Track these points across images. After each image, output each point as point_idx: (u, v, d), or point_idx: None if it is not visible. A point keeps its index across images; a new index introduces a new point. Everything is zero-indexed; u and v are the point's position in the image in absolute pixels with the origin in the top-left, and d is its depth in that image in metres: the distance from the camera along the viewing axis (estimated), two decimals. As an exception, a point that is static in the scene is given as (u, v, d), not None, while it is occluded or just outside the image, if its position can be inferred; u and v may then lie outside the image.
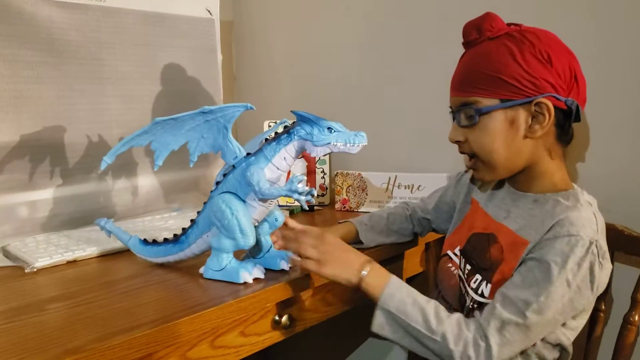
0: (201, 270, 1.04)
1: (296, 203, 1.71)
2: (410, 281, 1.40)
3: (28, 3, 1.22)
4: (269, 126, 1.74)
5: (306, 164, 1.73)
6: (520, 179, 1.02)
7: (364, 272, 0.96)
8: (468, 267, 1.06)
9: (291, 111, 0.97)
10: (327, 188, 1.73)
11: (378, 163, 1.66)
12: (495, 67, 0.94)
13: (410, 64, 1.59)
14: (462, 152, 1.04)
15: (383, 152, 1.65)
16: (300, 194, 0.93)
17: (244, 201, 1.00)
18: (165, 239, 1.09)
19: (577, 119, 0.97)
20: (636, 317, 1.14)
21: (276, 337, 1.05)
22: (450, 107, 1.04)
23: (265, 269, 1.04)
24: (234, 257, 1.02)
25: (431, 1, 1.50)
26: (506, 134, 0.96)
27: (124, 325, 0.82)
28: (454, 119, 1.03)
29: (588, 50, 1.24)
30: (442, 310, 0.93)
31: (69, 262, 1.14)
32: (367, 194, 1.58)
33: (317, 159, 1.72)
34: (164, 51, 1.51)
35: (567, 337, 0.97)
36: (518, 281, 0.91)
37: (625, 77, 1.20)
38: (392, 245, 1.28)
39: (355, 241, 1.21)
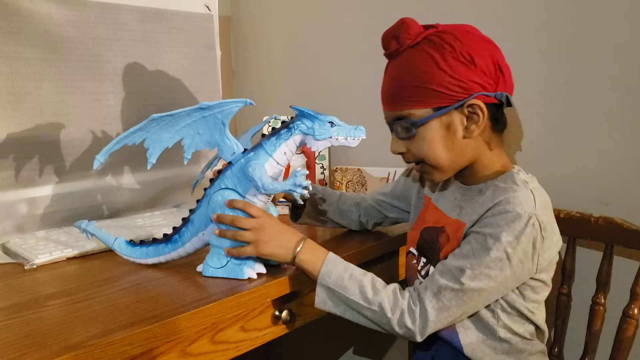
0: (199, 268, 1.04)
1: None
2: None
3: (26, 0, 1.22)
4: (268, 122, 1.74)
5: (305, 159, 1.73)
6: (467, 174, 1.05)
7: (298, 249, 0.99)
8: (423, 259, 1.10)
9: (290, 106, 0.97)
10: (326, 183, 1.73)
11: (377, 158, 1.66)
12: (422, 78, 0.95)
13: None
14: (407, 162, 1.05)
15: (382, 147, 1.64)
16: (304, 187, 0.96)
17: (243, 197, 1.00)
18: (155, 239, 1.08)
19: (508, 105, 0.99)
20: (635, 311, 1.14)
21: (276, 332, 1.06)
22: (386, 120, 1.05)
23: (266, 264, 1.04)
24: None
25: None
26: (445, 138, 0.98)
27: (124, 321, 0.83)
28: (392, 130, 1.03)
29: (582, 42, 1.25)
30: (379, 281, 0.98)
31: (68, 259, 1.15)
32: (366, 189, 1.58)
33: (316, 154, 1.72)
34: (162, 47, 1.50)
35: (530, 310, 1.00)
36: (456, 252, 0.97)
37: (623, 69, 1.20)
38: (387, 241, 1.29)
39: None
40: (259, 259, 1.03)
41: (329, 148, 1.72)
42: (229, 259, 1.01)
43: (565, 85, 1.29)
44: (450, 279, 0.93)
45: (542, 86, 1.31)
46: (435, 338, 1.04)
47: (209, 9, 1.62)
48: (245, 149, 1.01)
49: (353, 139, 0.98)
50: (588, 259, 1.28)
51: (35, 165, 1.27)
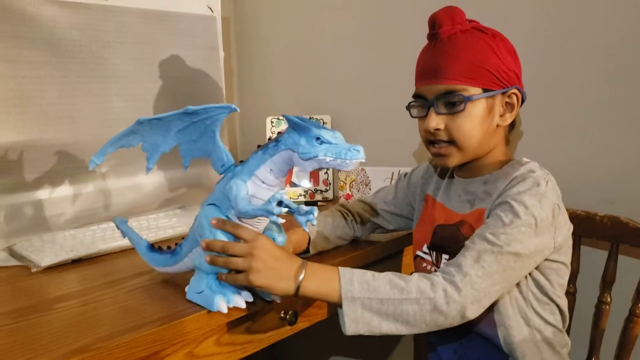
0: (186, 289, 0.96)
1: (299, 199, 1.72)
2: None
3: (31, 4, 1.22)
4: (272, 122, 1.74)
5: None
6: (471, 166, 1.08)
7: (301, 277, 0.88)
8: (445, 257, 1.09)
9: (282, 115, 0.85)
10: (330, 183, 1.73)
11: (381, 158, 1.66)
12: (479, 59, 0.99)
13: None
14: (436, 141, 1.04)
15: (386, 147, 1.65)
16: (276, 215, 0.82)
17: (226, 216, 0.90)
18: (169, 247, 1.02)
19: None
20: (641, 309, 1.14)
21: (282, 333, 1.06)
22: (421, 96, 1.04)
23: (257, 296, 0.95)
24: (215, 280, 0.92)
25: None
26: (485, 121, 1.01)
27: (130, 323, 0.83)
28: (429, 107, 1.02)
29: (588, 41, 1.24)
30: (399, 273, 0.92)
31: (74, 261, 1.15)
32: (370, 189, 1.58)
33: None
34: (165, 49, 1.51)
35: (558, 295, 1.03)
36: (486, 223, 0.96)
37: (628, 68, 1.20)
38: (389, 241, 1.29)
39: (305, 250, 1.16)
40: (248, 288, 0.93)
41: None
42: (207, 284, 0.91)
43: (570, 84, 1.29)
44: (487, 243, 0.91)
45: (547, 85, 1.31)
46: (462, 333, 1.05)
47: (212, 11, 1.62)
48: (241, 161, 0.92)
49: (344, 161, 0.80)
50: (594, 258, 1.28)
51: (40, 167, 1.27)
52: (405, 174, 1.28)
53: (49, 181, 1.29)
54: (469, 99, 0.98)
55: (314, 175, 1.74)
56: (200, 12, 1.59)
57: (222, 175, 0.92)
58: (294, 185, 1.74)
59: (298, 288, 0.88)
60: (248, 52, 2.05)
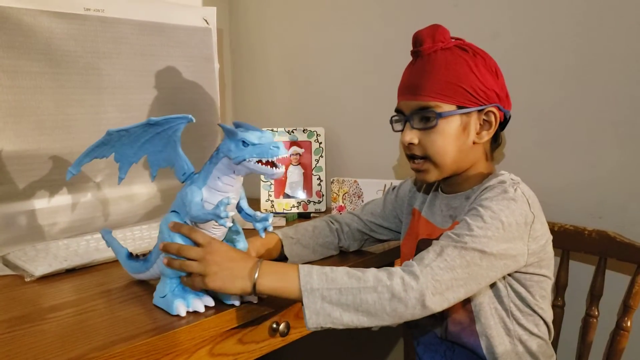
0: (154, 294, 0.98)
1: (292, 210, 1.73)
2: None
3: (27, 14, 1.23)
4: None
5: (302, 170, 1.75)
6: (454, 181, 1.09)
7: (256, 275, 0.89)
8: None
9: (218, 124, 0.90)
10: (323, 195, 1.75)
11: (374, 170, 1.68)
12: (455, 76, 1.00)
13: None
14: (411, 155, 1.07)
15: (379, 159, 1.67)
16: (224, 219, 0.85)
17: (185, 222, 0.93)
18: (143, 255, 1.04)
19: (503, 127, 1.10)
20: (628, 323, 1.16)
21: (274, 344, 1.07)
22: (400, 111, 1.08)
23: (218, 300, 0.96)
24: (179, 285, 0.94)
25: (428, 9, 1.52)
26: (459, 138, 1.03)
27: (124, 333, 0.84)
28: (405, 122, 1.06)
29: (577, 56, 1.27)
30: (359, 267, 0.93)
31: (68, 271, 1.15)
32: (363, 201, 1.59)
33: (313, 165, 1.73)
34: (161, 60, 1.52)
35: (540, 306, 1.03)
36: (454, 228, 0.97)
37: (617, 82, 1.22)
38: (382, 253, 1.30)
39: (280, 255, 1.17)
40: (209, 291, 0.96)
41: (324, 157, 1.74)
42: (170, 289, 0.93)
43: (559, 98, 1.31)
44: (451, 240, 0.92)
45: (535, 99, 1.33)
46: (446, 344, 1.07)
47: (207, 23, 1.64)
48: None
49: (267, 166, 0.84)
50: (582, 272, 1.29)
51: (35, 177, 1.28)
52: (394, 187, 1.30)
53: (43, 191, 1.30)
54: (440, 115, 1.01)
55: (307, 187, 1.75)
56: (196, 24, 1.60)
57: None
58: (287, 196, 1.75)
59: (254, 286, 0.89)
60: (242, 64, 2.06)
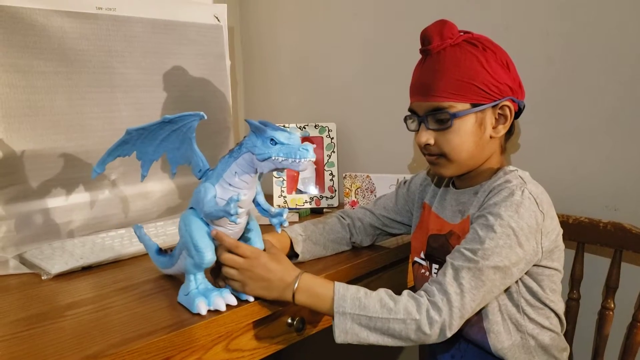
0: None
1: (305, 205, 1.73)
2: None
3: (40, 14, 1.24)
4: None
5: (314, 166, 1.75)
6: (466, 176, 1.09)
7: (294, 288, 0.95)
8: (436, 267, 1.11)
9: (245, 120, 0.90)
10: (335, 190, 1.75)
11: (386, 165, 1.67)
12: (467, 74, 0.99)
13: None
14: (428, 154, 1.07)
15: (391, 154, 1.66)
16: (234, 215, 0.87)
17: (201, 218, 0.94)
18: (170, 250, 1.06)
19: (518, 116, 1.08)
20: (645, 315, 1.15)
21: (289, 339, 1.07)
22: (414, 111, 1.07)
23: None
24: (204, 281, 0.96)
25: (439, 2, 1.51)
26: (475, 134, 1.02)
27: (141, 330, 0.84)
28: (420, 123, 1.05)
29: (589, 47, 1.26)
30: (391, 291, 0.96)
31: (84, 269, 1.17)
32: (375, 196, 1.59)
33: (325, 160, 1.73)
34: (173, 58, 1.52)
35: (551, 299, 1.03)
36: (465, 239, 0.98)
37: (630, 74, 1.21)
38: (396, 248, 1.30)
39: (290, 254, 1.17)
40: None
41: (336, 153, 1.74)
42: (194, 286, 0.95)
43: (572, 91, 1.30)
44: (464, 260, 0.94)
45: (549, 92, 1.33)
46: (458, 339, 1.07)
47: (219, 20, 1.64)
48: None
49: (295, 161, 0.85)
50: (597, 265, 1.29)
51: (50, 176, 1.29)
52: (406, 181, 1.29)
53: (58, 189, 1.31)
54: (455, 116, 1.00)
55: (319, 182, 1.75)
56: (207, 21, 1.60)
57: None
58: (299, 192, 1.75)
59: (293, 297, 0.95)
60: (253, 61, 2.07)
